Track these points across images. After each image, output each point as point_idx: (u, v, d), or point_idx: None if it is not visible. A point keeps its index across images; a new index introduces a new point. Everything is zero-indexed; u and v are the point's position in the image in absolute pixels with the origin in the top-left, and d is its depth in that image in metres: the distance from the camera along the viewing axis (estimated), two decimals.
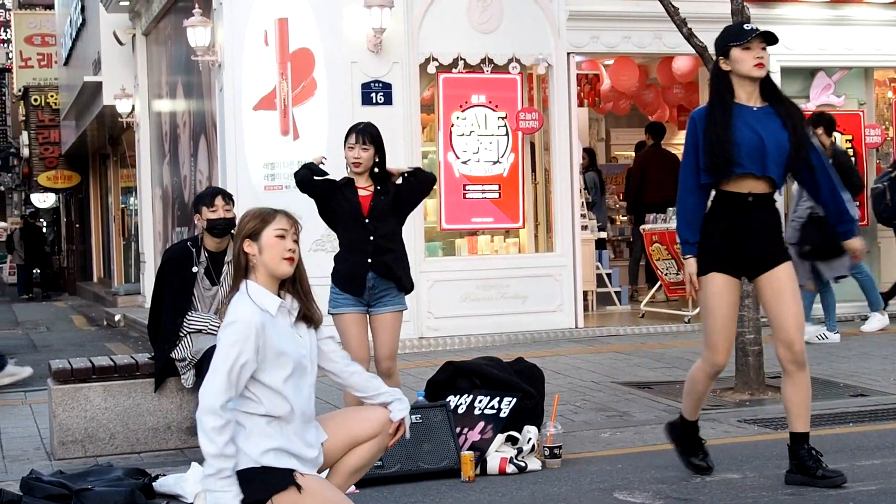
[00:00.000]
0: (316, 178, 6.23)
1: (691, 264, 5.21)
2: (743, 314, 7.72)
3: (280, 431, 4.10)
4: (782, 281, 5.14)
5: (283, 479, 4.05)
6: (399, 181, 6.25)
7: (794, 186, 10.09)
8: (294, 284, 4.29)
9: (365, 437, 4.32)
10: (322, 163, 6.30)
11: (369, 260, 6.13)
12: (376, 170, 6.22)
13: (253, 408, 4.10)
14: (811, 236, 9.75)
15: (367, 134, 6.18)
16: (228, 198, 6.71)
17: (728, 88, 5.14)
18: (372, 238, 6.15)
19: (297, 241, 4.29)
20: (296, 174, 6.31)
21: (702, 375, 5.31)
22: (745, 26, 5.22)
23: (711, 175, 5.14)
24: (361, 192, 6.21)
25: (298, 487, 4.03)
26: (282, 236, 4.24)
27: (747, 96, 5.15)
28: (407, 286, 6.26)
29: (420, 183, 6.35)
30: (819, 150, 5.32)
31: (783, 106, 5.18)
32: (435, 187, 10.96)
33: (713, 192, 5.27)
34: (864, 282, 10.70)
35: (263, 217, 4.26)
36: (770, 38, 5.13)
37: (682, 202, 5.26)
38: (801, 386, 5.13)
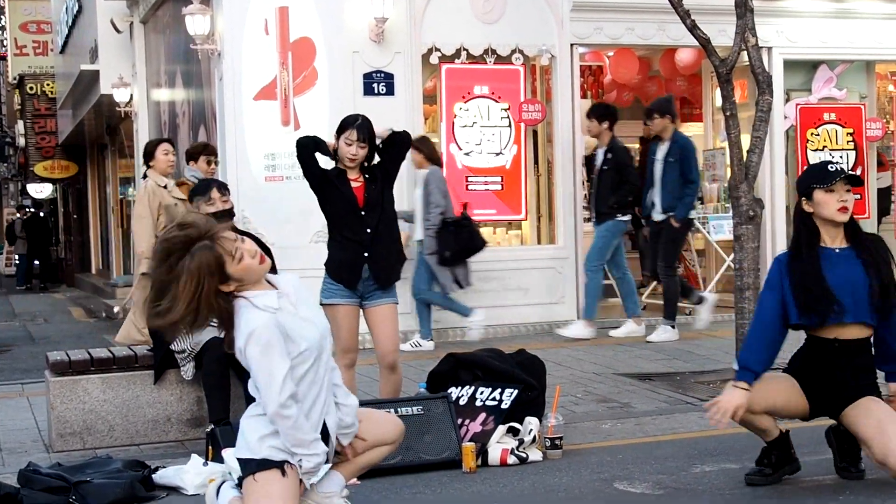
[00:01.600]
0: (319, 153, 6.21)
1: (742, 395, 4.83)
2: (743, 306, 7.69)
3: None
4: (864, 402, 4.95)
5: (272, 462, 4.26)
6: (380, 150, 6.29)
7: (418, 192, 9.97)
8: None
9: (387, 441, 4.68)
10: (334, 148, 6.25)
11: (366, 253, 6.12)
12: (365, 163, 6.23)
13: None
14: (448, 241, 9.76)
15: (366, 130, 6.17)
16: (223, 188, 6.68)
17: (814, 232, 4.95)
18: (369, 231, 6.14)
19: (243, 240, 4.30)
20: (301, 138, 6.31)
21: None
22: (829, 167, 4.98)
23: (809, 320, 4.91)
24: (354, 184, 6.21)
25: (283, 472, 4.23)
26: (240, 255, 4.23)
27: (831, 239, 4.96)
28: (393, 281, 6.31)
29: (398, 150, 6.36)
30: None
31: (866, 247, 4.97)
32: None
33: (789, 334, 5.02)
34: (625, 287, 10.49)
35: (216, 256, 4.16)
36: (854, 181, 4.94)
37: (760, 333, 4.94)
38: None
